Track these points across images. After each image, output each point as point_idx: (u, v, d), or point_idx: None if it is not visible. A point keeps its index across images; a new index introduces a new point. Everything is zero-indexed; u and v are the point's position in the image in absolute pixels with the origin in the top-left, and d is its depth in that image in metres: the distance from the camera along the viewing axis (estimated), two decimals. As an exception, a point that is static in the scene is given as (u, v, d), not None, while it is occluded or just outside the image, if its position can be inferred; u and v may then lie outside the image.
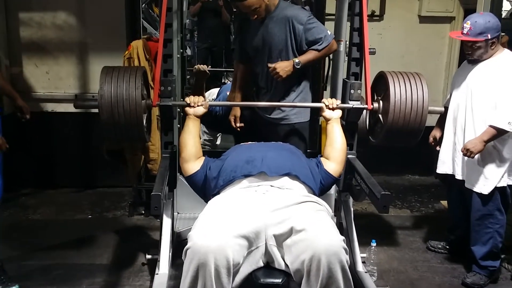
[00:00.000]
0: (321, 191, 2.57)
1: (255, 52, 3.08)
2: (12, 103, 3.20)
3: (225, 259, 1.92)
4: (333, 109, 2.73)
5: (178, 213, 3.51)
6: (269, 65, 2.90)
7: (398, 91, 2.61)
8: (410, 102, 2.59)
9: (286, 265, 2.05)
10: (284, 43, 2.93)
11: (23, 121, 3.20)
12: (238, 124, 3.23)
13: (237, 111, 3.23)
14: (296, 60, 2.90)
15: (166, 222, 2.86)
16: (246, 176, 2.36)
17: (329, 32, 2.96)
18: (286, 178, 2.37)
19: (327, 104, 2.74)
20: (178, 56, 3.20)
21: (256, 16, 2.90)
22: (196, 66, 3.54)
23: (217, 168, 2.49)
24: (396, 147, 2.88)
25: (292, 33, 2.91)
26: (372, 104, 2.78)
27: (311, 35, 2.90)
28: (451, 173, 3.20)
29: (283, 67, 2.88)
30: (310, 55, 2.94)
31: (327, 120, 2.75)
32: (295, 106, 3.05)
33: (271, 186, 2.31)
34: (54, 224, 3.90)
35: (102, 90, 2.48)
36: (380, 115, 2.77)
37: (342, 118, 2.81)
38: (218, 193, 2.41)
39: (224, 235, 1.96)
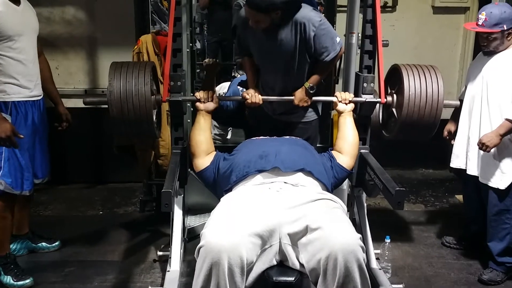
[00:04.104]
0: (334, 186, 2.56)
1: (261, 59, 2.86)
2: (53, 109, 3.21)
3: (238, 258, 1.89)
4: (346, 103, 2.70)
5: (189, 209, 3.49)
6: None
7: (412, 84, 2.57)
8: (425, 96, 2.55)
9: (301, 264, 2.01)
10: (293, 48, 2.70)
11: (59, 130, 3.20)
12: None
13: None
14: (309, 84, 2.75)
15: (177, 218, 2.85)
16: (260, 171, 2.33)
17: (338, 39, 2.71)
18: (300, 174, 2.34)
19: (340, 99, 2.71)
20: (188, 50, 3.16)
21: (257, 27, 2.63)
22: (205, 60, 3.51)
23: (229, 163, 2.47)
24: (409, 141, 2.83)
25: (303, 37, 2.66)
26: (386, 97, 2.73)
27: (319, 42, 2.66)
28: (465, 167, 3.14)
29: (301, 99, 2.77)
30: (319, 74, 2.77)
31: (339, 113, 2.72)
32: None
33: (285, 183, 2.28)
34: (66, 220, 3.90)
35: (111, 87, 2.46)
36: (394, 109, 2.73)
37: (354, 111, 2.77)
38: (230, 189, 2.39)
39: (238, 234, 1.93)
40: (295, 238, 2.03)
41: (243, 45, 2.92)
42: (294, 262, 2.03)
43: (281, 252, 2.04)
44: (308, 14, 2.65)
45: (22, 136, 2.77)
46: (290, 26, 2.65)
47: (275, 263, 2.05)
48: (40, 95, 3.02)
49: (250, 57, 2.93)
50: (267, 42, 2.73)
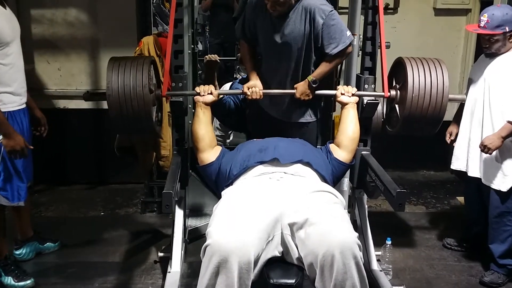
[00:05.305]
0: (334, 179, 2.56)
1: (267, 47, 2.83)
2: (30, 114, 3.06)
3: (247, 256, 1.90)
4: (349, 96, 2.71)
5: (189, 210, 3.49)
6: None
7: (416, 76, 2.52)
8: (429, 90, 2.50)
9: (301, 256, 2.02)
10: (301, 36, 2.66)
11: (37, 135, 3.10)
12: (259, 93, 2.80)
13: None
14: (312, 78, 2.71)
15: (178, 219, 2.85)
16: (260, 162, 2.37)
17: (347, 33, 2.67)
18: (298, 165, 2.38)
19: (342, 92, 2.70)
20: (189, 51, 3.16)
21: (275, 10, 2.62)
22: (206, 56, 3.48)
23: (231, 158, 2.50)
24: (411, 141, 2.82)
25: (312, 25, 2.63)
26: (389, 91, 2.71)
27: (327, 32, 2.63)
28: (465, 170, 3.14)
29: (302, 92, 2.73)
30: (324, 68, 2.73)
31: (343, 104, 2.70)
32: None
33: (285, 173, 2.31)
34: (67, 221, 3.90)
35: (109, 90, 2.42)
36: (397, 104, 2.69)
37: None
38: (231, 183, 2.40)
39: (245, 232, 1.94)
40: (293, 228, 2.04)
41: (248, 34, 2.88)
42: (295, 253, 2.04)
43: (283, 243, 2.06)
44: (319, 1, 2.64)
45: (32, 147, 2.78)
46: (300, 13, 2.63)
47: (277, 254, 2.06)
48: (25, 101, 2.93)
49: (251, 46, 2.91)
50: (277, 30, 2.69)
